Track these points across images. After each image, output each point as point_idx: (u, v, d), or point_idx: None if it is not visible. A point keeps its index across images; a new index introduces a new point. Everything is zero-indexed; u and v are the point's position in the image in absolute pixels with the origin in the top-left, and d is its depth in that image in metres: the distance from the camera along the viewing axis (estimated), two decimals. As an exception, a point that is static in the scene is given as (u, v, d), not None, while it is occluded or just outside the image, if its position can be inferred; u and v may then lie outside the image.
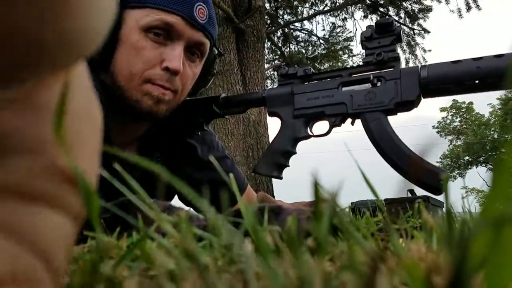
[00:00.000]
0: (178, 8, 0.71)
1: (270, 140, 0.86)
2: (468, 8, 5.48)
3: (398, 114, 0.73)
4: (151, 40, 0.71)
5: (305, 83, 0.82)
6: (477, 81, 0.64)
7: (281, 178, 0.84)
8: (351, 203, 0.92)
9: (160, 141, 0.87)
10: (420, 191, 0.70)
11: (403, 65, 0.75)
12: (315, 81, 0.81)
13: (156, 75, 0.72)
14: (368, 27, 0.75)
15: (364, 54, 0.76)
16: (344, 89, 0.77)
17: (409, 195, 0.81)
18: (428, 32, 5.93)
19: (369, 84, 0.74)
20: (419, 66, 0.70)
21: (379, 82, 0.73)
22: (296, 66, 0.85)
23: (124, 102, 0.73)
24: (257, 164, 0.84)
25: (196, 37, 0.74)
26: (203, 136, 0.92)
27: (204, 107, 0.86)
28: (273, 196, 3.46)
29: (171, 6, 0.71)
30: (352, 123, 0.77)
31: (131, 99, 0.72)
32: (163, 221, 0.23)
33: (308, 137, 0.81)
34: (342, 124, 0.79)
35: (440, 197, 0.68)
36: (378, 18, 6.42)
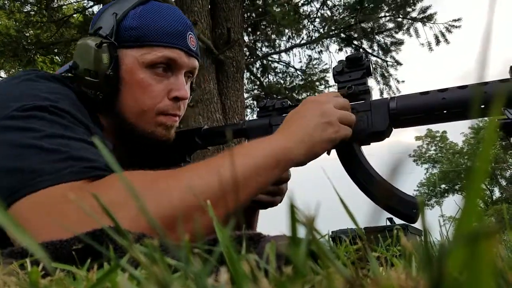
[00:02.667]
0: (177, 42, 0.75)
1: None
2: (437, 42, 5.72)
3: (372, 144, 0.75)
4: (155, 75, 0.74)
5: (283, 115, 0.84)
6: (443, 112, 0.66)
7: (265, 208, 0.85)
8: (332, 231, 0.92)
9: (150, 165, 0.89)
10: (399, 220, 0.70)
11: (377, 96, 0.77)
12: None
13: (167, 106, 0.76)
14: (339, 61, 0.78)
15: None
16: None
17: (389, 223, 0.81)
18: (401, 64, 6.15)
19: None
20: (388, 98, 0.72)
21: None
22: (274, 97, 0.88)
23: (136, 135, 0.76)
24: None
25: (193, 65, 0.79)
26: None
27: (187, 139, 0.87)
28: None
29: (171, 41, 0.74)
30: (328, 153, 0.78)
31: (145, 132, 0.76)
32: (136, 251, 0.22)
33: None
34: None
35: (419, 225, 0.69)
36: (352, 51, 6.64)
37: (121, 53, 0.73)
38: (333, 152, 0.79)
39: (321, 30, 6.21)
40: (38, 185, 0.52)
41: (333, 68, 0.78)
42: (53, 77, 0.72)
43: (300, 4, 6.04)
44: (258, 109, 0.87)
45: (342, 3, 6.00)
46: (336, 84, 0.77)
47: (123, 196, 0.49)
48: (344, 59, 0.76)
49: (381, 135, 0.72)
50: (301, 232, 0.19)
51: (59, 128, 0.60)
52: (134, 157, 0.80)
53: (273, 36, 6.10)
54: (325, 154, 0.79)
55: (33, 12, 4.99)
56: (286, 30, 6.00)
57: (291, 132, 0.68)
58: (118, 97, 0.74)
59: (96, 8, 5.52)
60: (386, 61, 6.10)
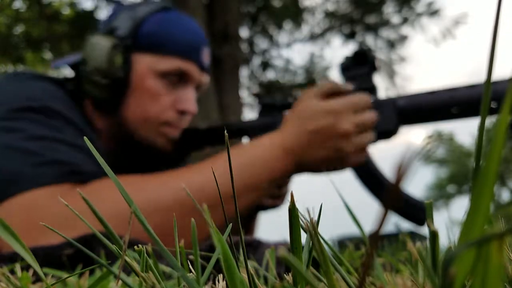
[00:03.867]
0: (192, 55, 0.74)
1: None
2: (443, 37, 5.67)
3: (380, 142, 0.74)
4: (165, 85, 0.73)
5: (285, 113, 0.83)
6: (451, 111, 0.65)
7: (264, 210, 0.85)
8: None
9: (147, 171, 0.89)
10: (406, 226, 0.70)
11: (382, 94, 0.76)
12: None
13: (172, 118, 0.74)
14: (346, 58, 0.76)
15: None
16: None
17: (395, 229, 0.81)
18: (406, 60, 6.11)
19: None
20: (396, 96, 0.71)
21: None
22: (275, 95, 0.88)
23: (135, 141, 0.74)
24: None
25: (204, 80, 0.78)
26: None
27: (186, 138, 0.86)
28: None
29: (186, 54, 0.73)
30: None
31: (146, 140, 0.74)
32: (129, 257, 0.21)
33: None
34: None
35: (425, 232, 0.68)
36: (356, 47, 6.57)
37: (134, 57, 0.72)
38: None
39: (324, 25, 6.15)
40: (17, 189, 0.51)
41: (340, 64, 0.77)
42: (45, 77, 0.70)
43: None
44: (260, 107, 0.86)
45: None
46: (343, 80, 0.77)
47: (103, 207, 0.49)
48: (351, 55, 0.75)
49: (389, 134, 0.71)
50: (303, 237, 0.18)
51: (46, 129, 0.58)
52: (131, 156, 0.78)
53: (273, 32, 6.05)
54: None
55: (22, 10, 4.94)
56: (287, 26, 5.96)
57: (290, 148, 0.63)
58: (123, 100, 0.72)
59: (88, 4, 5.46)
60: (391, 58, 6.06)
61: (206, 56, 0.77)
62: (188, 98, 0.75)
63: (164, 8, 0.76)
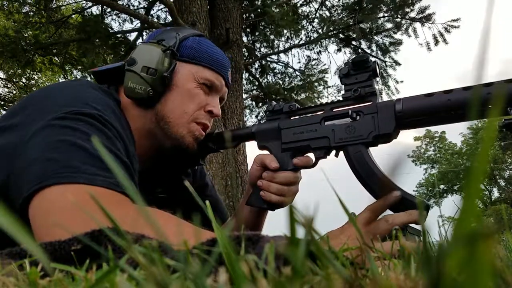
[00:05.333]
0: (223, 71, 0.92)
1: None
2: (436, 42, 5.72)
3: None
4: (201, 89, 0.88)
5: (291, 119, 0.84)
6: (449, 113, 0.66)
7: (273, 210, 0.86)
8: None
9: (159, 176, 0.96)
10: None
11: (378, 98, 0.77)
12: (300, 116, 0.84)
13: (201, 115, 0.88)
14: (346, 64, 0.78)
15: (338, 86, 0.79)
16: (326, 123, 0.79)
17: None
18: (399, 64, 6.15)
19: (349, 118, 0.75)
20: (394, 100, 0.72)
21: (358, 116, 0.74)
22: (281, 101, 0.91)
23: (168, 136, 0.86)
24: (250, 197, 0.87)
25: (225, 93, 0.96)
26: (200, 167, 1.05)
27: (200, 143, 0.90)
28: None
29: (220, 69, 0.91)
30: (336, 155, 0.79)
31: (177, 134, 0.86)
32: (135, 252, 0.22)
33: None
34: (328, 156, 0.80)
35: (418, 226, 0.69)
36: (351, 51, 6.57)
37: (178, 63, 0.87)
38: (334, 154, 0.79)
39: (320, 31, 6.21)
40: (71, 179, 0.54)
41: (339, 70, 0.78)
42: (100, 88, 0.78)
43: (298, 5, 6.04)
44: (267, 113, 0.89)
45: (341, 3, 6.00)
46: (343, 86, 0.78)
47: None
48: (350, 61, 0.77)
49: (388, 137, 0.72)
50: (300, 232, 0.19)
51: (104, 138, 0.65)
52: (155, 155, 0.89)
53: (272, 37, 6.10)
54: (332, 156, 0.80)
55: (31, 13, 4.98)
56: (285, 31, 6.00)
57: None
58: (163, 97, 0.85)
59: (95, 9, 5.52)
60: (385, 61, 6.12)
61: (230, 75, 0.95)
62: (215, 104, 0.90)
63: (200, 35, 0.94)
